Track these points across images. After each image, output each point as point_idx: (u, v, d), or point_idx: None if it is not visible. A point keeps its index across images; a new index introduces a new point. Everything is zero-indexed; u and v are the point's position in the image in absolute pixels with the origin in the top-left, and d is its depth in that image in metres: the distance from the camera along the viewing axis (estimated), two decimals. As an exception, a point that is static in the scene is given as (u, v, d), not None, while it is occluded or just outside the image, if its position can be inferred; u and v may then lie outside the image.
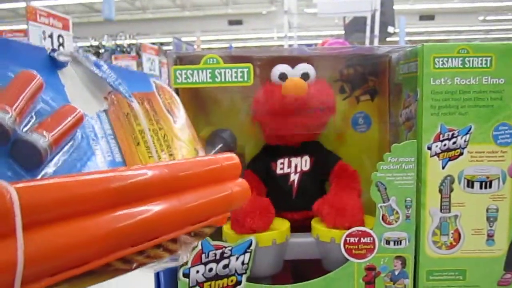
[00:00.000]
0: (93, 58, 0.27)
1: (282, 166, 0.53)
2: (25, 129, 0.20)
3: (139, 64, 5.22)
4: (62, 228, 0.17)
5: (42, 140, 0.20)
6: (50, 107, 0.22)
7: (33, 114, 0.21)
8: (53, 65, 0.25)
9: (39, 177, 0.20)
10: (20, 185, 0.16)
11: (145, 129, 0.28)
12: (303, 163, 0.54)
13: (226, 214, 0.28)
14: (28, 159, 0.20)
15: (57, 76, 0.25)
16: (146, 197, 0.21)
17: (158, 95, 0.32)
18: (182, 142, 0.31)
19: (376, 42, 4.23)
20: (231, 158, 0.29)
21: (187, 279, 0.46)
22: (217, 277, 0.46)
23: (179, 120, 0.32)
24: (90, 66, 0.26)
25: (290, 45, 4.08)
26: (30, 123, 0.21)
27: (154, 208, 0.21)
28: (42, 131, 0.21)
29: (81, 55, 0.26)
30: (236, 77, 0.45)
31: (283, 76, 0.51)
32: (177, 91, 0.45)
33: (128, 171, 0.22)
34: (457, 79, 0.44)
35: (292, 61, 0.51)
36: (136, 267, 0.22)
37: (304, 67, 0.51)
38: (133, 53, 5.74)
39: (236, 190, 0.28)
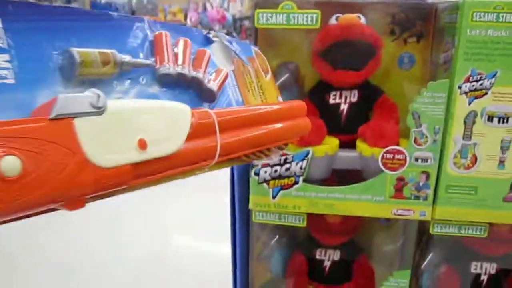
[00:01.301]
0: (227, 37, 0.40)
1: (334, 97, 0.65)
2: (206, 80, 0.36)
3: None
4: (231, 133, 0.33)
5: (214, 86, 0.35)
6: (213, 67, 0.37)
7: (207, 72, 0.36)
8: (207, 41, 0.38)
9: (215, 108, 0.35)
10: (215, 110, 0.32)
11: (252, 81, 0.42)
12: (352, 95, 0.65)
13: (296, 137, 0.44)
14: (210, 98, 0.35)
15: (210, 48, 0.38)
16: (258, 123, 0.37)
17: (256, 58, 0.45)
18: (270, 91, 0.45)
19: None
20: (302, 104, 0.44)
21: (257, 177, 0.60)
22: (280, 177, 0.60)
23: (268, 76, 0.45)
24: (225, 42, 0.40)
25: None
26: (207, 78, 0.36)
27: (261, 130, 0.37)
28: (214, 82, 0.36)
29: (220, 35, 0.39)
30: (306, 21, 0.56)
31: (338, 18, 0.61)
32: (256, 30, 0.57)
33: (256, 107, 0.39)
34: (490, 31, 0.53)
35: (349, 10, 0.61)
36: (252, 159, 0.40)
37: (357, 14, 0.61)
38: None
39: (303, 123, 0.44)
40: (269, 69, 0.46)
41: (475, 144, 0.57)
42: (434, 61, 0.64)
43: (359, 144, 0.62)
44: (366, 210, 0.61)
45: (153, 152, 0.27)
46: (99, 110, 0.24)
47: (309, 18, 0.56)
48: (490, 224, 0.62)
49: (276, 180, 0.60)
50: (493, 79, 0.54)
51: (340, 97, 0.65)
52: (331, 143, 0.61)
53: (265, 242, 0.76)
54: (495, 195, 0.59)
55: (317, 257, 0.74)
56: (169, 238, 1.96)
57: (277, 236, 0.75)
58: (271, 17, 0.56)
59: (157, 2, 3.91)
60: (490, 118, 0.56)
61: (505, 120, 0.56)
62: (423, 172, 0.58)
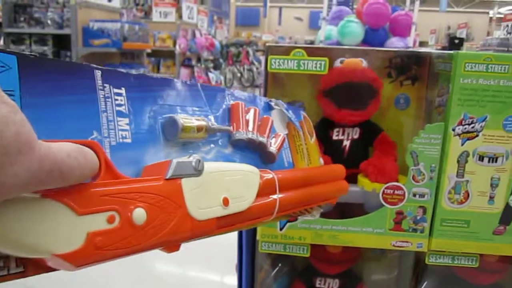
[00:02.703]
0: (284, 104, 0.46)
1: (337, 133, 0.70)
2: (269, 144, 0.41)
3: (178, 10, 5.30)
4: (286, 192, 0.38)
5: (274, 150, 0.41)
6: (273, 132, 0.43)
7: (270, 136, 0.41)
8: (268, 108, 0.44)
9: (274, 169, 0.40)
10: (275, 173, 0.37)
11: (301, 144, 0.47)
12: (354, 132, 0.70)
13: (336, 197, 0.50)
14: (269, 159, 0.41)
15: (270, 114, 0.44)
16: (307, 184, 0.42)
17: (304, 122, 0.50)
18: (313, 153, 0.51)
19: (417, 4, 4.21)
20: (342, 168, 0.51)
21: (265, 209, 0.64)
22: (287, 209, 0.64)
23: (312, 139, 0.51)
24: (282, 109, 0.45)
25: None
26: (269, 142, 0.41)
27: (309, 190, 0.42)
28: (274, 146, 0.41)
29: (279, 103, 0.45)
30: (315, 67, 0.61)
31: (343, 62, 0.67)
32: (267, 73, 0.62)
33: (305, 170, 0.45)
34: (480, 80, 0.58)
35: (352, 54, 0.67)
36: (298, 215, 0.46)
37: (359, 58, 0.67)
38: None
39: (342, 185, 0.50)
40: (314, 132, 0.52)
41: (467, 181, 0.62)
42: (428, 103, 0.70)
43: (361, 179, 0.66)
44: (368, 241, 0.65)
45: (232, 208, 0.32)
46: (199, 172, 0.29)
47: (318, 64, 0.61)
48: (481, 255, 0.66)
49: (284, 213, 0.64)
50: (483, 122, 0.60)
51: (343, 133, 0.70)
52: (335, 178, 0.66)
53: (268, 271, 0.79)
54: (485, 228, 0.64)
55: (317, 285, 0.77)
56: (155, 265, 1.96)
57: (280, 265, 0.79)
58: (283, 62, 0.61)
59: (148, 29, 3.98)
60: (481, 158, 0.61)
61: (494, 160, 0.61)
62: (420, 206, 0.63)
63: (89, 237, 0.22)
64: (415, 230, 0.64)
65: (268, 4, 12.00)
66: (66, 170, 0.21)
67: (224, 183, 0.31)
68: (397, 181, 0.63)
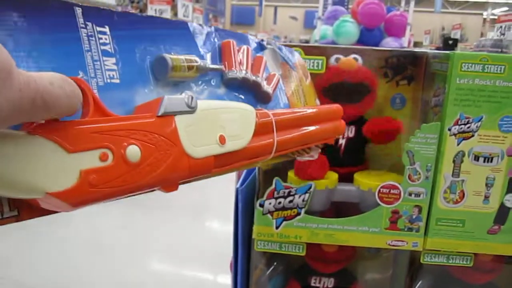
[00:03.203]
0: (277, 43, 0.45)
1: (334, 131, 0.70)
2: (263, 84, 0.40)
3: (173, 8, 5.29)
4: (283, 132, 0.38)
5: (269, 89, 0.40)
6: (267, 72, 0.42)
7: (264, 76, 0.41)
8: (260, 48, 0.43)
9: (268, 108, 0.40)
10: (272, 112, 0.37)
11: (297, 85, 0.47)
12: (349, 131, 0.70)
13: (333, 137, 0.49)
14: (264, 99, 0.40)
15: (263, 54, 0.43)
16: (304, 123, 0.42)
17: (300, 64, 0.50)
18: (310, 94, 0.51)
19: (412, 5, 4.22)
20: (339, 107, 0.50)
21: (261, 208, 0.64)
22: (283, 208, 0.64)
23: (308, 80, 0.51)
24: (275, 48, 0.44)
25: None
26: (263, 81, 0.40)
27: (307, 130, 0.42)
28: (269, 86, 0.40)
29: (272, 42, 0.44)
30: (313, 65, 0.61)
31: (337, 59, 0.67)
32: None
33: (302, 109, 0.44)
34: (476, 80, 0.59)
35: (348, 53, 0.67)
36: (296, 156, 0.45)
37: (353, 56, 0.67)
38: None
39: (339, 125, 0.49)
40: (309, 74, 0.51)
41: (463, 181, 0.62)
42: (424, 102, 0.70)
43: (357, 177, 0.66)
44: (363, 240, 0.65)
45: (229, 146, 0.32)
46: (192, 109, 0.29)
47: (315, 63, 0.61)
48: (476, 254, 0.67)
49: (280, 212, 0.64)
50: (479, 122, 0.60)
51: (339, 133, 0.70)
52: (331, 176, 0.66)
53: (263, 270, 0.79)
54: (480, 228, 0.64)
55: (312, 284, 0.77)
56: (149, 264, 1.96)
57: (275, 264, 0.79)
58: (280, 61, 0.60)
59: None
60: (477, 158, 0.61)
61: (489, 160, 0.61)
62: (416, 206, 0.63)
63: (82, 174, 0.22)
64: (410, 229, 0.64)
65: (264, 3, 11.99)
66: (49, 99, 0.20)
67: (219, 121, 0.31)
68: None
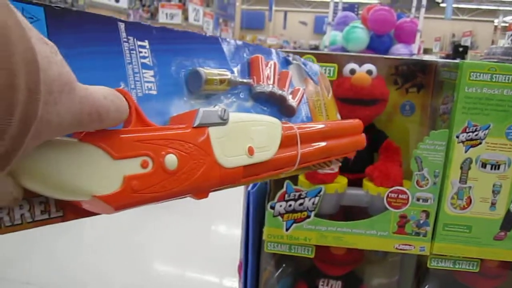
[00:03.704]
0: (302, 59, 0.47)
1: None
2: (289, 98, 0.42)
3: (184, 12, 5.33)
4: (306, 145, 0.40)
5: (294, 103, 0.42)
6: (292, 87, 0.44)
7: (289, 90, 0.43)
8: (286, 63, 0.45)
9: (292, 121, 0.41)
10: (297, 125, 0.39)
11: (319, 99, 0.49)
12: (360, 137, 0.72)
13: (354, 150, 0.51)
14: (289, 112, 0.42)
15: (288, 68, 0.45)
16: (326, 137, 0.44)
17: (321, 78, 0.51)
18: (331, 108, 0.52)
19: (422, 11, 4.22)
20: (360, 123, 0.51)
21: (272, 210, 0.66)
22: (293, 211, 0.66)
23: (329, 94, 0.52)
24: (300, 63, 0.46)
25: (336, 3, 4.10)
26: (288, 95, 0.42)
27: (329, 143, 0.44)
28: (293, 100, 0.42)
29: (297, 57, 0.46)
30: (324, 73, 0.62)
31: (352, 71, 0.68)
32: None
33: (325, 123, 0.46)
34: (485, 89, 0.60)
35: (360, 61, 0.68)
36: (318, 168, 0.47)
37: (368, 66, 0.68)
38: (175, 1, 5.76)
39: (359, 139, 0.51)
40: (331, 88, 0.53)
41: (470, 187, 0.63)
42: (433, 110, 0.71)
43: (366, 183, 0.68)
44: (371, 244, 0.66)
45: (257, 157, 0.33)
46: (225, 121, 0.31)
47: (327, 70, 0.63)
48: (482, 260, 0.68)
49: (290, 214, 0.66)
50: (487, 130, 0.61)
51: (348, 139, 0.71)
52: (341, 181, 0.68)
53: (271, 272, 0.80)
54: (487, 234, 0.65)
55: (320, 286, 0.79)
56: (153, 266, 1.98)
57: (283, 266, 0.80)
58: (293, 68, 0.62)
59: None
60: (484, 165, 0.63)
61: (496, 167, 0.62)
62: (424, 211, 0.64)
63: (125, 180, 0.24)
64: (418, 234, 0.65)
65: (274, 8, 12.03)
66: (103, 112, 0.22)
67: (248, 133, 0.33)
68: (401, 185, 0.65)
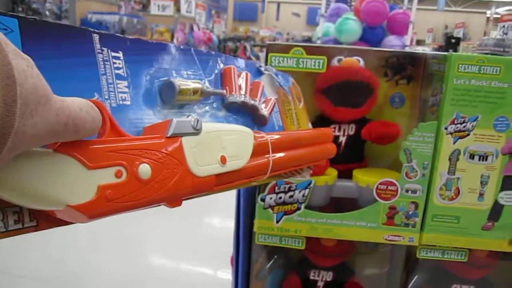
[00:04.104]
0: (274, 69, 0.47)
1: (333, 129, 0.72)
2: (261, 107, 0.42)
3: (176, 4, 5.28)
4: (277, 153, 0.40)
5: (266, 113, 0.42)
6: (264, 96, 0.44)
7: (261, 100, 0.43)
8: (258, 73, 0.45)
9: (265, 131, 0.42)
10: (269, 134, 0.39)
11: (290, 109, 0.49)
12: (350, 128, 0.72)
13: (324, 159, 0.51)
14: (261, 122, 0.42)
15: (260, 78, 0.45)
16: (297, 146, 0.44)
17: (293, 88, 0.52)
18: (302, 117, 0.52)
19: (415, 3, 4.22)
20: (330, 131, 0.52)
21: (263, 203, 0.66)
22: (284, 203, 0.66)
23: (301, 103, 0.53)
24: (272, 74, 0.46)
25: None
26: (261, 105, 0.42)
27: (300, 152, 0.44)
28: (265, 109, 0.43)
29: (269, 68, 0.46)
30: (314, 65, 0.63)
31: (340, 60, 0.68)
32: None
33: (295, 132, 0.47)
34: (473, 81, 0.61)
35: (349, 53, 0.69)
36: (289, 176, 0.47)
37: (356, 57, 0.69)
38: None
39: (329, 148, 0.51)
40: (302, 98, 0.53)
41: (458, 179, 0.64)
42: (422, 102, 0.72)
43: (356, 175, 0.68)
44: (361, 235, 0.67)
45: (229, 166, 0.34)
46: (198, 131, 0.31)
47: (316, 62, 0.63)
48: (470, 250, 0.69)
49: (280, 206, 0.66)
50: (475, 122, 0.62)
51: (339, 130, 0.72)
52: (331, 173, 0.68)
53: (263, 263, 0.81)
54: (475, 224, 0.66)
55: (311, 277, 0.79)
56: (148, 259, 1.98)
57: (275, 257, 0.81)
58: (283, 60, 0.62)
59: (146, 22, 3.97)
60: (472, 156, 0.63)
61: (484, 158, 0.63)
62: (413, 202, 0.65)
63: (100, 189, 0.24)
64: (407, 225, 0.66)
65: (266, -1, 11.98)
66: (79, 123, 0.22)
67: (221, 142, 0.33)
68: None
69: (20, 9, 3.38)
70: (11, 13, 0.24)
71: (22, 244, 1.86)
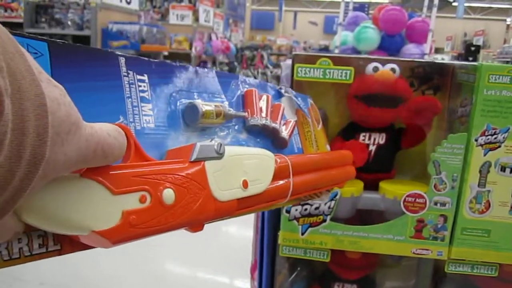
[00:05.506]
0: (293, 92, 0.47)
1: (364, 138, 0.71)
2: (281, 130, 0.42)
3: (195, 13, 5.34)
4: (298, 177, 0.39)
5: (286, 135, 0.42)
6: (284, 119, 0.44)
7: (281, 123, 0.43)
8: (278, 95, 0.45)
9: (284, 153, 0.41)
10: (289, 157, 0.38)
11: (310, 131, 0.49)
12: (380, 138, 0.71)
13: (344, 181, 0.50)
14: (281, 144, 0.42)
15: (280, 101, 0.45)
16: (317, 169, 0.44)
17: (312, 110, 0.51)
18: (321, 139, 0.52)
19: (434, 11, 4.19)
20: (349, 153, 0.51)
21: (288, 214, 0.65)
22: (309, 215, 0.65)
23: (319, 126, 0.52)
24: (292, 96, 0.46)
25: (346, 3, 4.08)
26: (281, 128, 0.42)
27: (318, 175, 0.44)
28: (286, 132, 0.42)
29: (289, 90, 0.46)
30: (341, 76, 0.62)
31: (375, 69, 0.67)
32: (293, 81, 0.63)
33: (316, 155, 0.46)
34: (504, 92, 0.59)
35: (381, 62, 0.68)
36: (308, 199, 0.46)
37: (392, 65, 0.68)
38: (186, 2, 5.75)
39: (349, 170, 0.51)
40: (320, 120, 0.53)
41: (489, 191, 0.62)
42: (450, 112, 0.70)
43: (383, 186, 0.67)
44: (388, 248, 0.66)
45: (251, 190, 0.34)
46: (220, 155, 0.31)
47: (344, 73, 0.62)
48: (500, 264, 0.67)
49: (306, 218, 0.65)
50: (506, 133, 0.60)
51: (369, 138, 0.71)
52: (357, 185, 0.67)
53: (286, 275, 0.80)
54: (506, 238, 0.64)
55: (335, 290, 0.78)
56: (164, 267, 1.98)
57: (298, 269, 0.80)
58: (309, 71, 0.62)
59: (165, 32, 4.02)
60: (503, 168, 0.62)
61: (516, 171, 0.61)
62: (441, 215, 0.64)
63: (124, 215, 0.24)
64: (435, 238, 0.65)
65: (283, 8, 12.02)
66: (107, 149, 0.22)
67: (243, 166, 0.33)
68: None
69: (43, 19, 3.45)
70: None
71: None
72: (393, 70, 0.67)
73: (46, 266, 1.81)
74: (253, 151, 0.36)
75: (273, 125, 0.41)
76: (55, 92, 0.19)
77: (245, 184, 0.33)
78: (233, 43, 6.19)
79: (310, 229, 0.66)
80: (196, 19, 5.19)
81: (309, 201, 0.64)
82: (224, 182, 0.31)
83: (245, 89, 0.40)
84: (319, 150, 0.51)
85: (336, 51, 3.34)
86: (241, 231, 2.26)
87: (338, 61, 0.63)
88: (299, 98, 0.48)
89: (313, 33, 13.33)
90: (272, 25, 14.10)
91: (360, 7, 4.65)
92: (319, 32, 13.67)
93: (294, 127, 0.45)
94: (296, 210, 0.65)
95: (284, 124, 0.43)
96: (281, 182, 0.37)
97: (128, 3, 3.63)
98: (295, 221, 0.65)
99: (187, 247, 2.08)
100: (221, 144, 0.31)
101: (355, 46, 3.21)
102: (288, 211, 0.65)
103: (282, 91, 0.46)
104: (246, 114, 0.39)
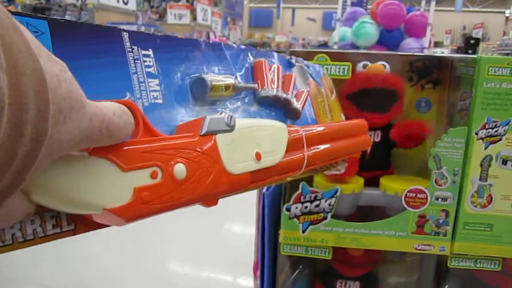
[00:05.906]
0: (305, 61, 0.46)
1: (359, 136, 0.70)
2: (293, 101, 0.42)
3: (193, 12, 5.33)
4: (312, 147, 0.39)
5: (299, 106, 0.41)
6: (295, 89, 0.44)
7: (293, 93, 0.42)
8: (289, 65, 0.44)
9: (297, 124, 0.41)
10: (303, 128, 0.38)
11: (323, 101, 0.48)
12: (376, 135, 0.70)
13: (359, 151, 0.50)
14: (294, 115, 0.41)
15: (291, 71, 0.44)
16: (332, 139, 0.43)
17: (324, 79, 0.51)
18: (335, 109, 0.52)
19: (433, 4, 4.18)
20: (364, 122, 0.51)
21: (288, 212, 0.65)
22: (310, 213, 0.65)
23: (333, 96, 0.52)
24: (303, 65, 0.45)
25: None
26: (293, 98, 0.42)
27: (335, 145, 0.43)
28: (298, 102, 0.42)
29: (299, 60, 0.45)
30: (339, 71, 0.61)
31: (365, 66, 0.67)
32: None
33: (330, 125, 0.45)
34: (504, 84, 0.59)
35: (374, 59, 0.67)
36: (324, 170, 0.47)
37: (382, 62, 0.67)
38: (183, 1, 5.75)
39: (365, 139, 0.50)
40: (334, 89, 0.52)
41: (490, 185, 0.62)
42: (450, 106, 0.70)
43: (383, 181, 0.67)
44: (390, 244, 0.65)
45: (265, 162, 0.33)
46: (231, 128, 0.30)
47: (341, 69, 0.62)
48: (504, 258, 0.66)
49: (306, 216, 0.65)
50: (507, 126, 0.60)
51: (365, 136, 0.70)
52: (357, 181, 0.66)
53: (288, 273, 0.80)
54: (509, 232, 0.63)
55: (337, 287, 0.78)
56: (168, 266, 1.98)
57: (300, 267, 0.79)
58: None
59: (163, 31, 4.01)
60: (504, 162, 0.61)
61: (518, 164, 0.61)
62: (443, 210, 0.63)
63: (136, 191, 0.23)
64: (437, 234, 0.64)
65: (281, 5, 11.99)
66: (112, 128, 0.22)
67: (255, 139, 0.32)
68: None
69: (40, 21, 3.45)
70: (40, 15, 0.23)
71: (35, 251, 1.88)
72: (383, 66, 0.66)
73: (47, 267, 1.81)
74: (265, 123, 0.35)
75: (285, 95, 0.40)
76: (54, 68, 0.19)
77: (258, 156, 0.32)
78: (232, 41, 6.18)
79: (311, 226, 0.65)
80: (194, 18, 5.18)
81: (312, 195, 0.64)
82: (236, 155, 0.30)
83: (254, 61, 0.39)
84: (334, 120, 0.50)
85: (335, 47, 3.34)
86: (244, 229, 2.25)
87: (335, 57, 0.62)
88: (311, 68, 0.47)
89: (311, 30, 13.30)
90: (270, 22, 14.08)
91: (358, 2, 4.64)
92: (318, 29, 13.64)
93: (306, 97, 0.44)
94: (296, 208, 0.64)
95: (296, 94, 0.43)
96: (295, 153, 0.37)
97: (126, 3, 3.62)
98: (295, 219, 0.65)
99: (190, 246, 2.08)
100: (231, 117, 0.30)
101: (354, 41, 3.20)
102: (288, 209, 0.64)
103: (293, 60, 0.45)
104: (256, 85, 0.38)
